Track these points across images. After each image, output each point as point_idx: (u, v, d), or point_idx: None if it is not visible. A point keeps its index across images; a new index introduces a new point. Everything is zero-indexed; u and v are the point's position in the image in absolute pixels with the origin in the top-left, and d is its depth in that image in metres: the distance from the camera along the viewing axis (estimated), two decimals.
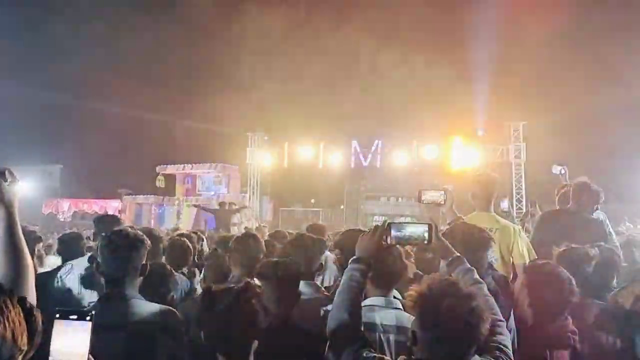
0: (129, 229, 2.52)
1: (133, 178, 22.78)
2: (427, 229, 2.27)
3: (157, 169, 22.55)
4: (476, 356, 1.86)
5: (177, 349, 2.34)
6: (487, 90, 18.49)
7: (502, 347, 2.02)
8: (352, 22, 19.65)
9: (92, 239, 4.14)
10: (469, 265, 2.30)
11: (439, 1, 18.24)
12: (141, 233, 2.55)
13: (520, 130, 17.26)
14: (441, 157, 17.41)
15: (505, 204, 5.82)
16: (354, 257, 2.26)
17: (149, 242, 2.53)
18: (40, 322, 1.17)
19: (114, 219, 4.10)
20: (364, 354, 1.98)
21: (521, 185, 16.87)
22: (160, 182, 22.60)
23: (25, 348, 1.12)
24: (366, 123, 19.62)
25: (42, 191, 23.13)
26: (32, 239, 4.10)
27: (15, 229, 1.88)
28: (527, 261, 3.68)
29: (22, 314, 1.13)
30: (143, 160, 22.56)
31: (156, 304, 2.43)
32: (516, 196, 16.64)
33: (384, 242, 2.24)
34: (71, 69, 21.95)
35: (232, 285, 2.08)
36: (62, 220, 22.24)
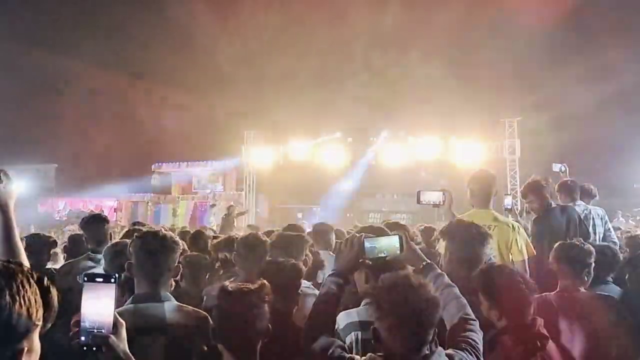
0: (164, 231, 2.53)
1: (129, 177, 22.73)
2: (398, 239, 2.31)
3: (153, 167, 22.51)
4: (440, 348, 1.86)
5: (209, 353, 2.34)
6: (481, 87, 18.58)
7: (471, 341, 2.04)
8: (347, 19, 19.63)
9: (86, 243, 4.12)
10: (440, 271, 2.32)
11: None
12: (175, 235, 2.56)
13: (515, 126, 17.29)
14: (436, 153, 17.40)
15: (508, 202, 5.82)
16: (333, 271, 2.31)
17: (182, 244, 2.55)
18: (56, 299, 1.24)
19: (100, 220, 4.13)
20: (337, 354, 2.00)
21: (516, 182, 16.85)
22: (155, 181, 22.59)
23: (39, 323, 1.19)
24: (362, 120, 19.62)
25: (37, 190, 23.04)
26: (49, 243, 4.47)
27: (11, 230, 1.89)
28: (526, 258, 3.70)
29: (38, 292, 1.19)
30: (138, 158, 22.51)
31: (189, 307, 2.44)
32: (511, 192, 16.63)
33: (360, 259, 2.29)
34: (67, 67, 21.83)
35: (248, 285, 2.10)
36: (58, 218, 22.16)
